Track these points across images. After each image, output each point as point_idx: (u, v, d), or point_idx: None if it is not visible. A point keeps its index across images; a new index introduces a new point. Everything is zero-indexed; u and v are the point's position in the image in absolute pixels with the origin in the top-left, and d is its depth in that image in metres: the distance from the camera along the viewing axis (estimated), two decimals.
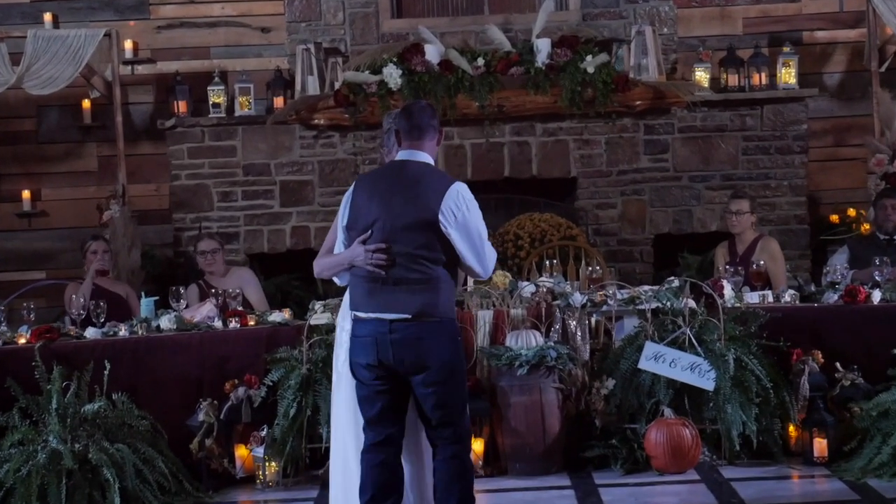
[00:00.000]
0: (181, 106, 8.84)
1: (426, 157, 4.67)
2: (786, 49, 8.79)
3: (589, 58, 8.28)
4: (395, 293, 4.52)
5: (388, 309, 4.54)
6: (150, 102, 9.25)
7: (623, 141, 8.70)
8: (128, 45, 9.12)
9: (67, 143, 9.31)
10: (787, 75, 8.72)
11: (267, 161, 8.79)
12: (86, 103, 9.17)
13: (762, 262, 7.02)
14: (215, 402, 6.17)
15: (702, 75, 8.74)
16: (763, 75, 8.72)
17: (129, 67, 9.19)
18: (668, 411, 5.94)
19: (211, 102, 8.82)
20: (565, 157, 8.73)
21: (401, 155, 4.68)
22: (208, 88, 8.84)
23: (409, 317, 4.51)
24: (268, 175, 8.78)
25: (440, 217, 4.50)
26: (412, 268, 4.52)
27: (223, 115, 8.79)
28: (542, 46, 8.34)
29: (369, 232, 4.57)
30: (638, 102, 8.44)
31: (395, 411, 4.66)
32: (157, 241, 9.06)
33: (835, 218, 8.87)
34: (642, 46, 8.41)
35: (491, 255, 4.62)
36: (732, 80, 8.78)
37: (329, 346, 6.09)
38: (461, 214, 4.52)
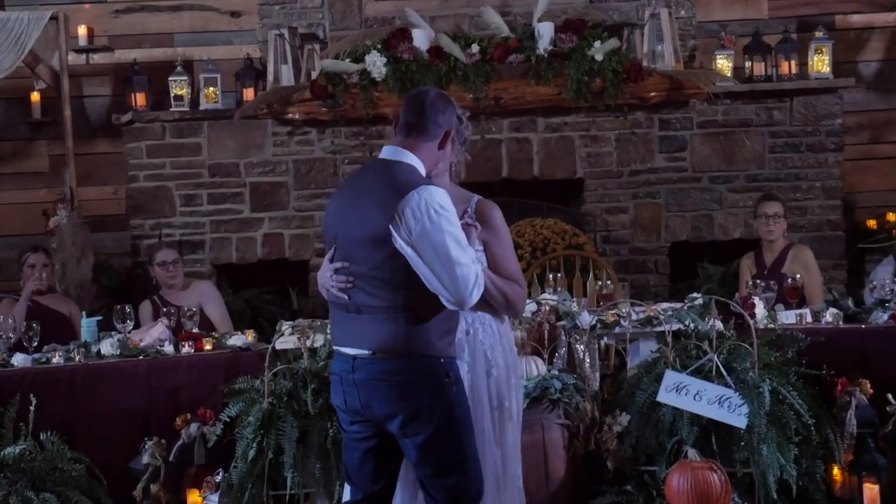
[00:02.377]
0: (139, 98, 8.43)
1: (414, 161, 3.99)
2: (818, 34, 8.44)
3: (597, 44, 7.96)
4: (358, 323, 3.96)
5: (350, 342, 3.99)
6: (108, 95, 8.88)
7: (635, 137, 8.36)
8: (81, 30, 8.66)
9: (15, 140, 8.92)
10: (820, 63, 8.35)
11: (235, 160, 8.39)
12: (35, 96, 8.73)
13: (799, 276, 6.53)
14: (163, 441, 5.68)
15: (724, 63, 8.38)
16: (792, 63, 8.39)
17: (84, 56, 8.79)
18: (692, 452, 5.41)
19: (173, 95, 8.41)
20: (570, 155, 8.37)
21: (384, 152, 4.06)
22: (170, 79, 8.42)
23: (370, 352, 3.92)
24: (236, 176, 8.39)
25: (392, 229, 3.84)
26: (372, 293, 3.92)
27: (186, 108, 8.41)
28: (545, 31, 8.03)
29: (333, 248, 4.03)
30: (652, 94, 8.11)
31: (379, 465, 4.05)
32: (117, 249, 8.71)
33: (872, 223, 8.58)
34: (657, 31, 8.12)
35: (466, 278, 3.84)
36: (758, 68, 8.42)
37: (295, 376, 5.62)
38: (420, 226, 3.81)
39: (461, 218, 4.13)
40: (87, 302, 7.79)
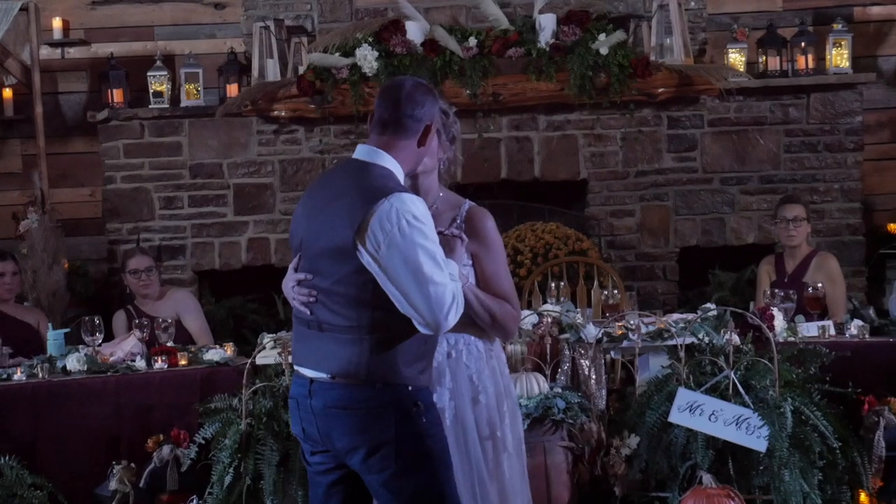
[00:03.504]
0: (116, 95, 8.19)
1: (389, 163, 3.63)
2: (836, 26, 8.22)
3: (602, 37, 7.76)
4: (319, 341, 3.64)
5: (308, 362, 3.66)
6: (84, 91, 8.68)
7: (642, 136, 8.17)
8: (56, 23, 8.44)
9: None
10: (839, 57, 8.12)
11: (218, 160, 8.20)
12: (7, 92, 8.55)
13: (821, 285, 6.30)
14: (132, 464, 5.47)
15: (736, 58, 8.19)
16: (809, 58, 8.16)
17: (59, 50, 8.55)
18: (707, 478, 5.21)
19: (152, 91, 8.20)
20: (573, 155, 8.19)
21: (358, 151, 3.70)
22: (148, 74, 8.19)
23: (328, 377, 3.59)
24: (219, 177, 8.20)
25: (357, 243, 3.49)
26: (335, 310, 3.59)
27: (166, 105, 8.22)
28: (546, 23, 7.82)
29: (297, 257, 3.73)
30: (660, 90, 7.92)
31: (346, 502, 3.71)
32: (94, 255, 8.53)
33: (893, 227, 8.39)
34: (665, 24, 7.89)
35: (441, 298, 3.46)
36: (773, 63, 8.20)
37: (276, 395, 5.35)
38: (389, 239, 3.46)
39: (448, 227, 3.82)
40: (60, 311, 7.60)
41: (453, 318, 3.49)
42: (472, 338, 3.94)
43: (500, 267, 3.90)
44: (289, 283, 3.69)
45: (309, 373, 3.61)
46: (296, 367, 3.72)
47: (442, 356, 3.88)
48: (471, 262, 3.87)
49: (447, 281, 3.48)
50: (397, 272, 3.44)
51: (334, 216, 3.54)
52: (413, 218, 3.45)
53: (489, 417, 3.93)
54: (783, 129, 8.15)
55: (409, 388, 3.56)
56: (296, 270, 3.67)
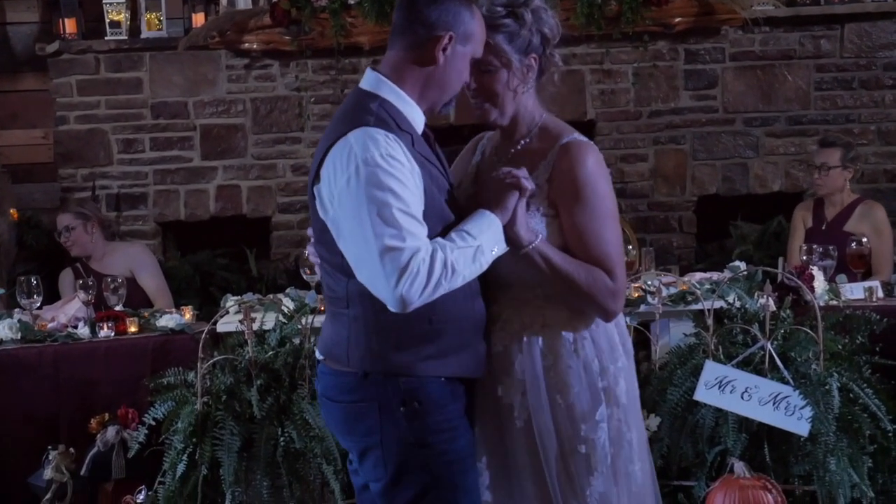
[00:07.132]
0: (68, 25, 7.77)
1: (389, 91, 2.98)
2: None
3: None
4: (326, 316, 3.25)
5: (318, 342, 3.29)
6: (35, 22, 8.27)
7: (657, 72, 7.90)
8: None
9: None
10: None
11: (183, 99, 7.87)
12: None
13: (866, 240, 5.82)
14: (71, 450, 5.07)
15: None
16: None
17: None
18: (739, 466, 4.83)
19: (108, 20, 7.79)
20: (580, 93, 7.91)
21: (363, 78, 3.07)
22: (104, 2, 7.79)
23: (322, 358, 3.18)
24: (184, 117, 7.87)
25: (315, 194, 3.00)
26: (323, 276, 3.17)
27: (125, 37, 7.84)
28: None
29: None
30: (677, 20, 7.70)
31: None
32: (48, 204, 8.10)
33: None
34: None
35: (392, 265, 2.80)
36: None
37: (237, 369, 4.85)
38: (339, 190, 2.88)
39: (536, 167, 3.12)
40: (6, 267, 7.22)
41: (416, 292, 2.82)
42: (552, 320, 3.23)
43: (594, 222, 3.13)
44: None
45: (318, 355, 3.21)
46: None
47: (512, 341, 3.20)
48: (548, 216, 3.14)
49: (404, 243, 2.81)
50: (347, 231, 2.88)
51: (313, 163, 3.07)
52: (366, 161, 2.83)
53: (573, 426, 3.21)
54: (814, 64, 7.92)
55: (401, 379, 2.97)
56: None
